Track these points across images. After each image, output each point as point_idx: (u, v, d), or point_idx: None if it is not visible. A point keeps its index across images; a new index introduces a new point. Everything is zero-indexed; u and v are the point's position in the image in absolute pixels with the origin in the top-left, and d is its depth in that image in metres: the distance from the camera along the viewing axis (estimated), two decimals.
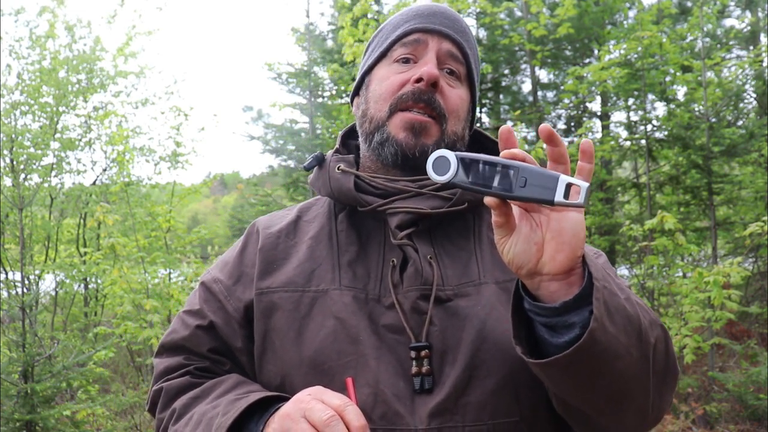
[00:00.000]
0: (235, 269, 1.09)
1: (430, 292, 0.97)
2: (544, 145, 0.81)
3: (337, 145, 1.17)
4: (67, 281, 6.53)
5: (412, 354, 0.94)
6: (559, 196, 0.74)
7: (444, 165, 0.80)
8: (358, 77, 1.15)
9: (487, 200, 0.79)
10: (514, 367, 0.92)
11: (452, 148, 1.06)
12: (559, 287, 0.81)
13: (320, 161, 1.12)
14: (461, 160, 0.80)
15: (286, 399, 0.90)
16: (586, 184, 0.75)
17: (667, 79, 6.56)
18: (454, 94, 1.06)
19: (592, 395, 0.86)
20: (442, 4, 1.11)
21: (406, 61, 1.07)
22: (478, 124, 1.19)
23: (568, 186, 0.74)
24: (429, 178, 1.02)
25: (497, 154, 1.11)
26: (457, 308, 0.97)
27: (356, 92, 1.16)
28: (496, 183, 0.78)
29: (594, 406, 0.88)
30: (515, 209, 0.82)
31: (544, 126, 0.77)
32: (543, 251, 0.80)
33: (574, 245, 0.79)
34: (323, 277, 1.01)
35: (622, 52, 6.34)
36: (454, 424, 0.91)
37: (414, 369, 0.93)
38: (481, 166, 0.79)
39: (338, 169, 1.07)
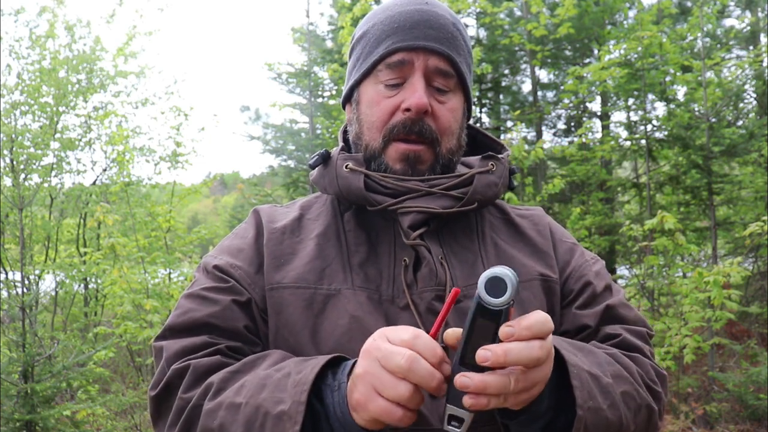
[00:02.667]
0: (253, 258, 1.03)
1: (443, 293, 0.97)
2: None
3: (341, 143, 1.15)
4: (67, 281, 6.53)
5: None
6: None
7: (501, 287, 0.74)
8: (347, 86, 1.12)
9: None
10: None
11: (448, 164, 1.05)
12: (528, 408, 0.82)
13: (326, 159, 1.10)
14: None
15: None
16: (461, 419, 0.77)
17: (667, 79, 6.57)
18: (445, 111, 1.04)
19: None
20: (423, 6, 1.05)
21: (395, 85, 1.03)
22: (478, 125, 1.18)
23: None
24: (438, 178, 1.03)
25: (495, 150, 1.12)
26: (468, 309, 0.97)
27: (347, 99, 1.13)
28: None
29: None
30: None
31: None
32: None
33: (535, 393, 0.79)
34: (334, 276, 0.99)
35: (622, 52, 6.34)
36: (473, 422, 0.93)
37: None
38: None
39: (346, 167, 1.05)
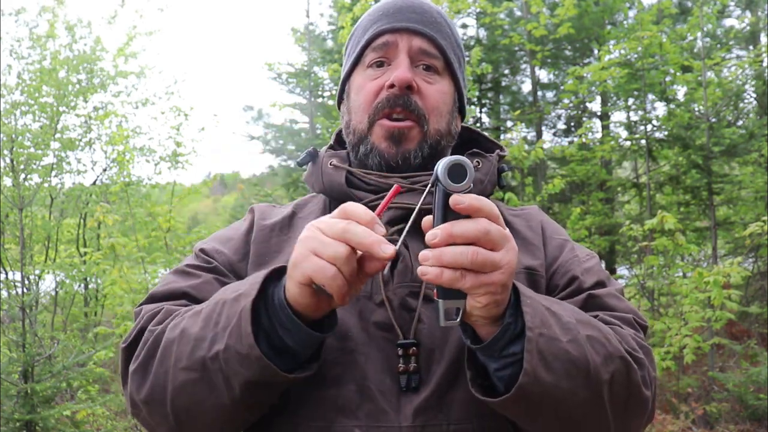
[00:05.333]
0: (240, 247, 1.07)
1: (419, 289, 0.97)
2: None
3: (330, 142, 1.16)
4: (67, 281, 6.52)
5: (400, 351, 0.93)
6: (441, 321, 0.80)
7: (462, 173, 0.75)
8: (340, 83, 1.15)
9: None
10: None
11: (436, 146, 1.05)
12: (491, 331, 0.82)
13: (313, 157, 1.12)
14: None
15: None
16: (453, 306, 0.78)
17: (667, 79, 6.57)
18: (433, 90, 1.05)
19: (543, 428, 0.87)
20: None
21: (380, 64, 1.06)
22: (477, 125, 1.18)
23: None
24: (421, 175, 1.03)
25: (491, 151, 1.12)
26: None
27: (341, 98, 1.15)
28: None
29: None
30: None
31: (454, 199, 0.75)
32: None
33: (496, 293, 0.78)
34: None
35: (622, 52, 6.34)
36: (438, 422, 0.91)
37: (401, 366, 0.93)
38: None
39: (330, 164, 1.07)
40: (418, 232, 1.01)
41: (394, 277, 0.98)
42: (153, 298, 1.00)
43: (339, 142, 1.17)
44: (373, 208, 1.01)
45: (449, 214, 0.75)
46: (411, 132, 1.03)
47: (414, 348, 0.93)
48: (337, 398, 0.92)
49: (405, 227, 0.85)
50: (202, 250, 1.07)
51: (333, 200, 1.08)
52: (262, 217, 1.10)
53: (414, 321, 0.95)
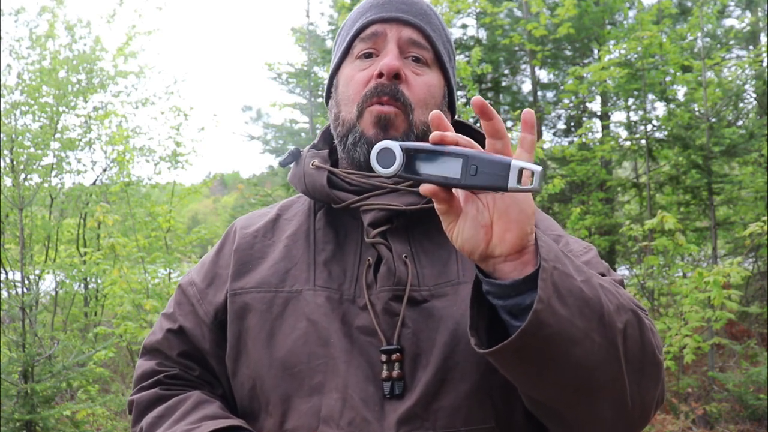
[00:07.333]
0: (209, 271, 1.07)
1: (403, 293, 0.94)
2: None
3: (315, 141, 1.14)
4: (67, 281, 6.52)
5: (383, 357, 0.90)
6: (512, 182, 0.72)
7: (389, 157, 0.76)
8: (328, 78, 1.13)
9: (423, 189, 0.77)
10: (489, 370, 0.87)
11: (423, 138, 1.02)
12: (514, 267, 0.77)
13: (296, 157, 1.10)
14: (406, 151, 0.77)
15: (235, 427, 0.93)
16: (539, 168, 0.71)
17: (667, 79, 6.56)
18: (420, 82, 1.03)
19: (556, 387, 0.81)
20: None
21: (369, 55, 1.04)
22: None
23: (521, 171, 0.72)
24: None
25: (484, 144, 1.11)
26: (432, 309, 0.94)
27: (329, 92, 1.13)
28: (445, 172, 0.75)
29: (562, 400, 0.83)
30: (460, 192, 0.80)
31: (477, 98, 0.75)
32: (492, 233, 0.77)
33: (523, 222, 0.76)
34: (298, 277, 0.99)
35: (622, 52, 6.34)
36: (424, 430, 0.88)
37: (384, 373, 0.90)
38: (428, 155, 0.76)
39: (312, 164, 1.05)
40: (400, 234, 0.99)
41: (377, 280, 0.96)
42: (145, 350, 1.11)
43: (325, 141, 1.15)
44: (355, 210, 1.00)
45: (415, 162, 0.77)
46: (397, 119, 1.00)
47: (398, 353, 0.91)
48: (319, 407, 0.90)
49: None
50: (180, 286, 1.12)
51: (316, 201, 1.07)
52: (244, 226, 1.10)
53: (397, 326, 0.92)
